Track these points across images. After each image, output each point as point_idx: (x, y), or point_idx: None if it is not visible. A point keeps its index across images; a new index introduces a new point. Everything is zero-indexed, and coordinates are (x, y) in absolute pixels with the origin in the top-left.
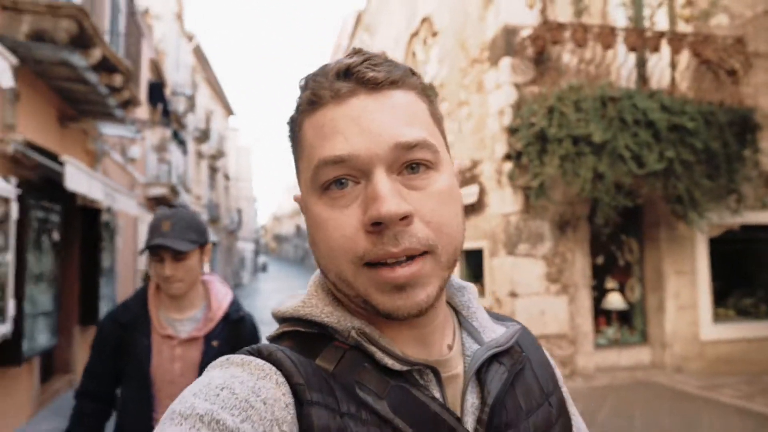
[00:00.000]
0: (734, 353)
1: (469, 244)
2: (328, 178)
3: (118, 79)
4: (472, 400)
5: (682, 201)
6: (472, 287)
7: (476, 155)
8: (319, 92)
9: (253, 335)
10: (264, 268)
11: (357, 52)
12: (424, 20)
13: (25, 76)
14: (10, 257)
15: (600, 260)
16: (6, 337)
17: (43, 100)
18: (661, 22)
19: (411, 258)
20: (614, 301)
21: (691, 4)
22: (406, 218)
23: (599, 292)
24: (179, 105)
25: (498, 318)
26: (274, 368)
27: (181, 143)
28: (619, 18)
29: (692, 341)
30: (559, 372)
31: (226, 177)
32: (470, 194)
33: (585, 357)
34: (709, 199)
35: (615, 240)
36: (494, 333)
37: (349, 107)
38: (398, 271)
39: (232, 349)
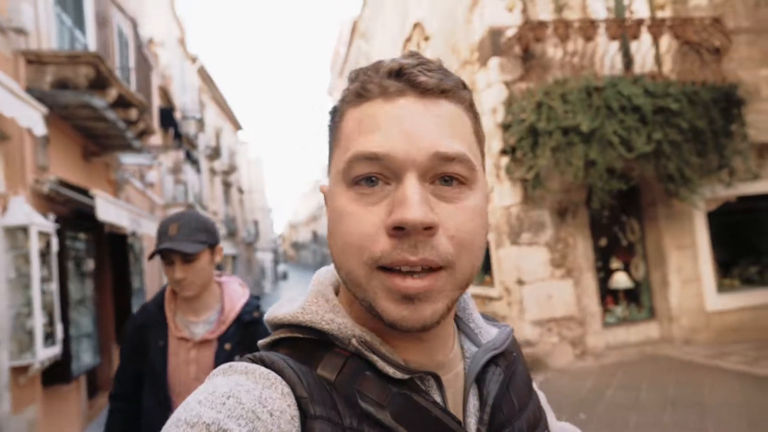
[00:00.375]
0: (741, 321)
1: None
2: (359, 173)
3: (133, 113)
4: (474, 401)
5: (673, 179)
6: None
7: None
8: (368, 86)
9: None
10: (284, 277)
11: (413, 54)
12: (416, 25)
13: (52, 120)
14: (54, 286)
15: (603, 242)
16: (57, 358)
17: (68, 140)
18: (642, 10)
19: (426, 271)
20: (620, 280)
21: None
22: (430, 229)
23: (605, 273)
24: (190, 128)
25: (487, 319)
26: (279, 378)
27: (194, 162)
28: (599, 9)
29: (698, 313)
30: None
31: (240, 190)
32: None
33: (594, 336)
34: (700, 175)
35: (616, 221)
36: (489, 335)
37: (395, 106)
38: (409, 281)
39: (246, 352)
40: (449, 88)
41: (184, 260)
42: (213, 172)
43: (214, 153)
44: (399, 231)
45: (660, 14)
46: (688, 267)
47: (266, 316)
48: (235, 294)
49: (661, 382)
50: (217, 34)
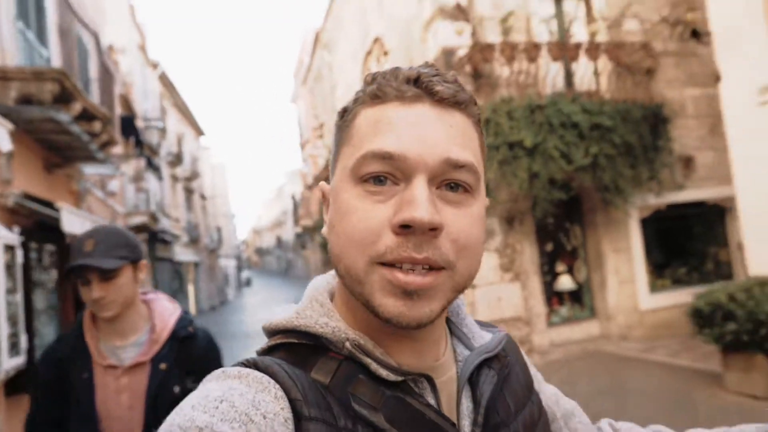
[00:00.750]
0: (671, 318)
1: None
2: (370, 171)
3: (97, 126)
4: (467, 403)
5: (609, 189)
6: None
7: None
8: (385, 89)
9: (207, 352)
10: (248, 283)
11: (430, 65)
12: (376, 40)
13: (16, 135)
14: (19, 297)
15: (549, 247)
16: (21, 368)
17: (30, 153)
18: (581, 34)
19: (428, 269)
20: (564, 282)
21: (595, 20)
22: (435, 230)
23: (552, 276)
24: (152, 137)
25: (482, 325)
26: (272, 381)
27: (156, 169)
28: (543, 33)
29: (633, 311)
30: (536, 372)
31: (203, 197)
32: None
33: (540, 335)
34: (633, 186)
35: (561, 228)
36: (482, 339)
37: (411, 111)
38: (411, 276)
39: (184, 370)
40: (463, 101)
41: (102, 278)
42: (175, 178)
43: (176, 159)
44: (405, 229)
45: (598, 38)
46: (624, 269)
47: (263, 325)
48: (166, 311)
49: (596, 375)
50: (178, 40)
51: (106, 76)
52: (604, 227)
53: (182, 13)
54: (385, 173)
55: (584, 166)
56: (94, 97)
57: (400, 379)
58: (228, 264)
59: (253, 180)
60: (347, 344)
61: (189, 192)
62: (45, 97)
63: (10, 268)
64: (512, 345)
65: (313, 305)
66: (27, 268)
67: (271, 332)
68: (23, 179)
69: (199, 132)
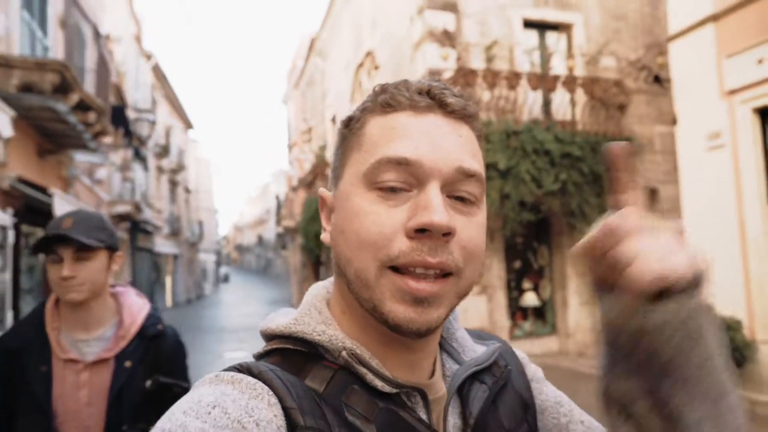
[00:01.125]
0: None
1: None
2: (386, 177)
3: (92, 116)
4: (454, 420)
5: (575, 215)
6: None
7: None
8: (398, 98)
9: (174, 352)
10: (226, 279)
11: (438, 80)
12: (368, 54)
13: (15, 120)
14: (7, 276)
15: (518, 265)
16: None
17: (26, 138)
18: (560, 67)
19: (439, 276)
20: (529, 299)
21: (574, 56)
22: (448, 234)
23: (518, 292)
24: (143, 129)
25: (480, 337)
26: (266, 388)
27: (142, 159)
28: (524, 62)
29: (590, 330)
30: (537, 369)
31: (187, 190)
32: None
33: None
34: (598, 212)
35: (529, 247)
36: (474, 353)
37: (424, 121)
38: (423, 284)
39: (150, 369)
40: (471, 114)
41: (76, 256)
42: (160, 170)
43: (163, 151)
44: (421, 233)
45: (576, 72)
46: (585, 291)
47: (260, 328)
48: (135, 305)
49: None
50: (174, 32)
51: (102, 66)
52: (570, 249)
53: (180, 4)
54: (400, 181)
55: (553, 191)
56: (89, 86)
57: (394, 391)
58: (207, 259)
59: (238, 176)
60: (343, 353)
61: (173, 184)
62: (45, 86)
63: (1, 247)
64: (510, 356)
65: (311, 312)
66: (17, 248)
67: (268, 337)
68: (18, 163)
69: (188, 125)
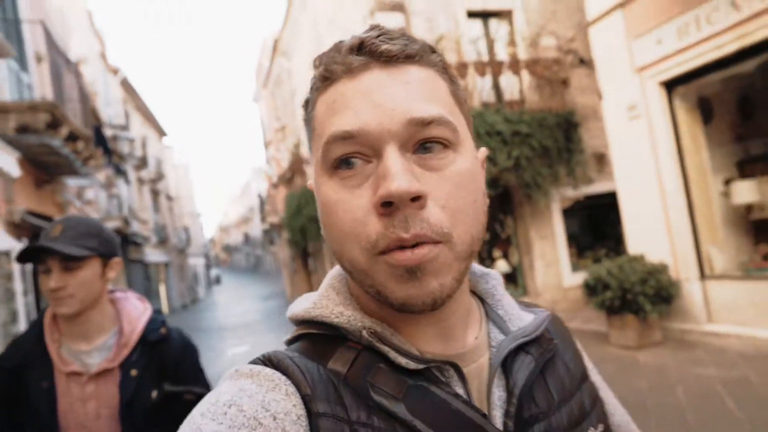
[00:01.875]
0: None
1: None
2: (337, 155)
3: (80, 145)
4: (499, 392)
5: (530, 186)
6: (495, 274)
7: None
8: (332, 67)
9: (184, 352)
10: (218, 281)
11: (374, 27)
12: None
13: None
14: (31, 298)
15: (486, 236)
16: None
17: (26, 174)
18: (505, 52)
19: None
20: (501, 266)
21: (514, 41)
22: (418, 199)
23: (490, 261)
24: (123, 147)
25: (527, 306)
26: (284, 378)
27: (123, 173)
28: (471, 52)
29: (558, 288)
30: (587, 359)
31: (168, 197)
32: None
33: None
34: (550, 182)
35: (496, 219)
36: (521, 321)
37: (362, 82)
38: (408, 252)
39: (157, 376)
40: (414, 53)
41: (64, 267)
42: (141, 181)
43: (141, 163)
44: (388, 207)
45: (519, 55)
46: (549, 253)
47: (288, 314)
48: (135, 311)
49: None
50: (136, 41)
51: (81, 94)
52: (531, 218)
53: (140, 14)
54: (352, 154)
55: (508, 167)
56: (72, 114)
57: (421, 366)
58: (197, 263)
59: (218, 177)
60: (364, 333)
61: (155, 194)
62: (39, 125)
63: (22, 273)
64: (560, 327)
65: (329, 294)
66: (35, 273)
67: (295, 322)
68: (21, 197)
69: (162, 133)
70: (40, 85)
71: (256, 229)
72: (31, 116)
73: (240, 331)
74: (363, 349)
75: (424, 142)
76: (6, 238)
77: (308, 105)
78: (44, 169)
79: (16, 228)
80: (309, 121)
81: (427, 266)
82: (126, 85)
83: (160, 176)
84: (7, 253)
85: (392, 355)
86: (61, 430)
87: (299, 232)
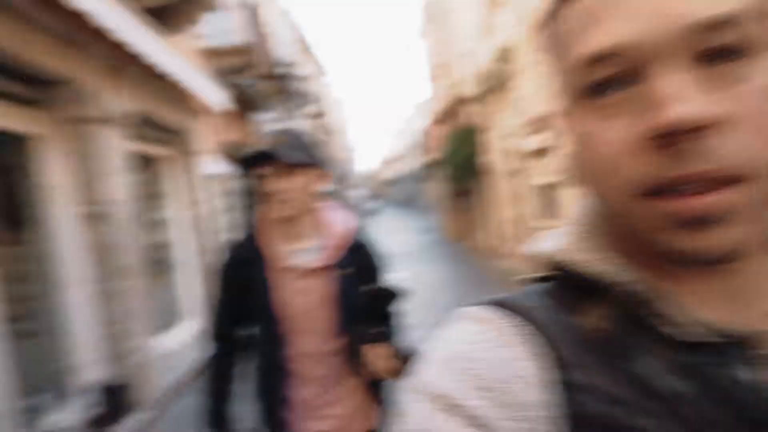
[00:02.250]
0: None
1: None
2: (589, 81)
3: (266, 84)
4: None
5: None
6: None
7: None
8: None
9: (378, 260)
10: (376, 212)
11: None
12: None
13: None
14: (238, 215)
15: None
16: None
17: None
18: None
19: (711, 183)
20: None
21: None
22: (703, 128)
23: None
24: (294, 85)
25: None
26: (531, 331)
27: (294, 109)
28: None
29: None
30: None
31: (328, 132)
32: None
33: None
34: None
35: None
36: None
37: None
38: (691, 200)
39: (361, 276)
40: None
41: (281, 172)
42: (306, 117)
43: (307, 99)
44: (662, 139)
45: None
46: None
47: (527, 250)
48: (342, 220)
49: None
50: None
51: (260, 36)
52: None
53: None
54: (610, 78)
55: None
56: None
57: (691, 340)
58: (356, 194)
59: (379, 113)
60: (623, 289)
61: (318, 129)
62: (243, 67)
63: (229, 194)
64: None
65: (581, 234)
66: (247, 192)
67: (537, 262)
68: (224, 129)
69: (321, 70)
70: (234, 31)
71: (415, 164)
72: (238, 59)
73: (399, 258)
74: (620, 311)
75: (712, 51)
76: (224, 164)
77: (549, 19)
78: (243, 104)
79: (226, 156)
80: (552, 44)
81: (718, 215)
82: (291, 24)
83: (321, 113)
84: (226, 176)
85: (658, 321)
86: (281, 318)
87: (458, 169)
